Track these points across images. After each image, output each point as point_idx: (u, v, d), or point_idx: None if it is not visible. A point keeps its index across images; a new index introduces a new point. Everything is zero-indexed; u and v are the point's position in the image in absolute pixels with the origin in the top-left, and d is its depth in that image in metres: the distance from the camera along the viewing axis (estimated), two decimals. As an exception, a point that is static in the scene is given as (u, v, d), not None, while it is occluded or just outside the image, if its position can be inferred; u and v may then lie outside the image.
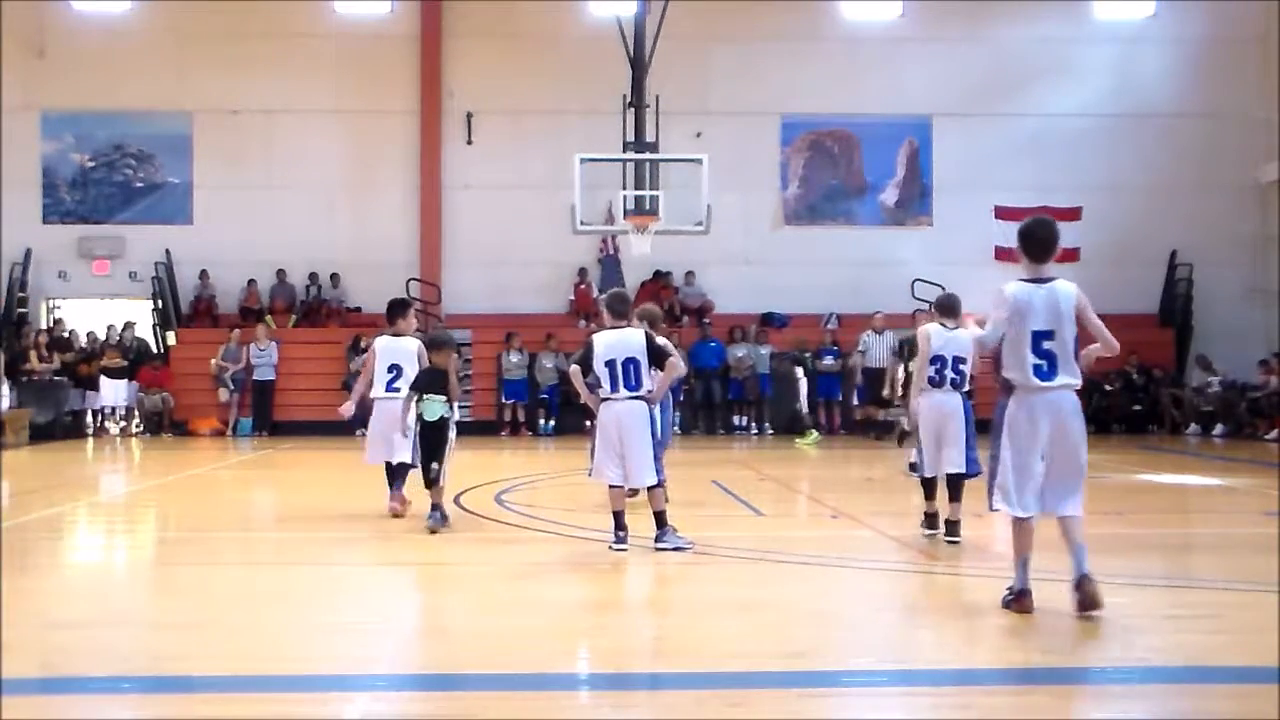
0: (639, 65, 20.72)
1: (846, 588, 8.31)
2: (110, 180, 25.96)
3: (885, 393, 15.95)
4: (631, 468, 8.95)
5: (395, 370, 11.09)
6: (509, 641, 6.42)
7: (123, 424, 23.94)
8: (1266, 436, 21.68)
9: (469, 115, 25.88)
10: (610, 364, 8.92)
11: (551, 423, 23.93)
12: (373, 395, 11.22)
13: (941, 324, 9.61)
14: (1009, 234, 26.70)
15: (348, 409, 11.63)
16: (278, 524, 11.92)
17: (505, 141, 25.83)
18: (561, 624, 6.98)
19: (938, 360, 9.43)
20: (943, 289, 24.11)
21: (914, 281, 24.91)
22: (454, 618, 7.28)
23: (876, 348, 20.51)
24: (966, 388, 9.53)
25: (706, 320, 24.90)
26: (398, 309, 11.72)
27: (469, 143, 26.00)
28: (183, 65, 25.53)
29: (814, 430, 22.53)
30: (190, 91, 25.57)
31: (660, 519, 9.08)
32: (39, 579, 8.43)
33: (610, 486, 9.15)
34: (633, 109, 20.34)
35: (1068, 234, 26.60)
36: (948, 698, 5.48)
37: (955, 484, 9.43)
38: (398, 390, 10.83)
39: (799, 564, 8.61)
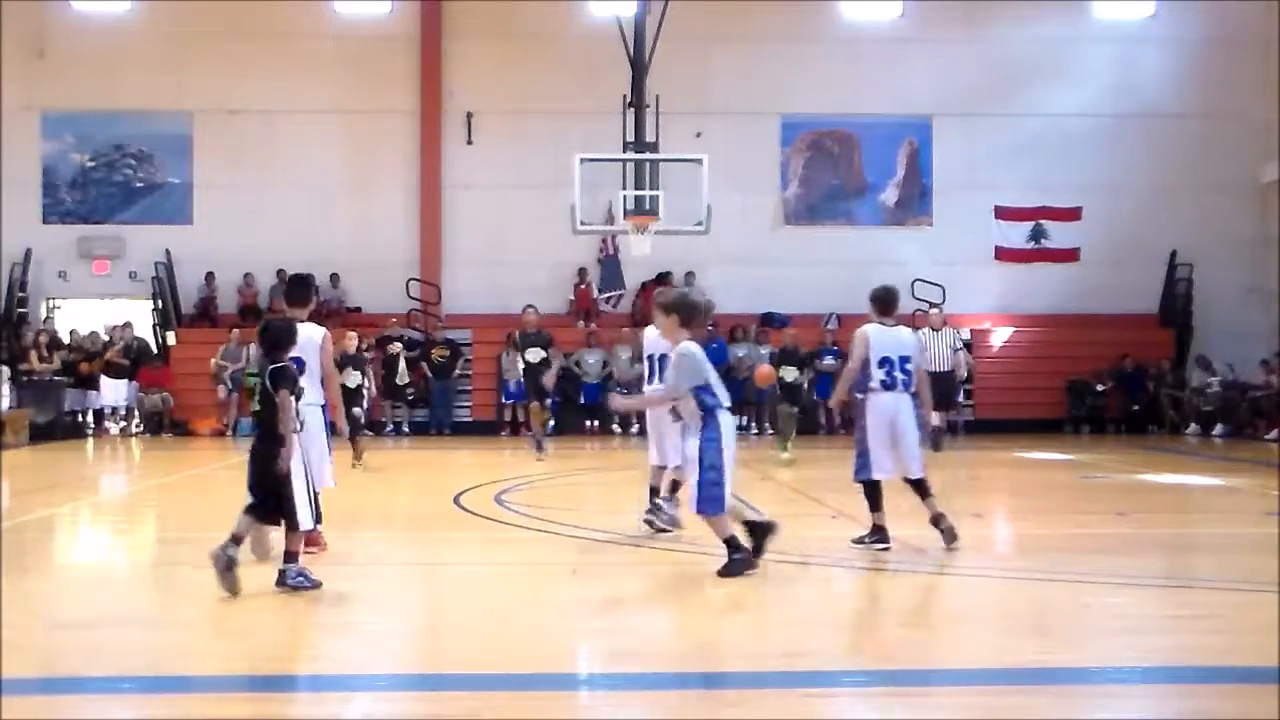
0: (639, 65, 20.71)
1: (846, 588, 8.31)
2: (110, 180, 25.95)
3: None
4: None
5: (297, 365, 8.60)
6: (509, 641, 6.42)
7: (123, 424, 23.93)
8: (1267, 436, 21.69)
9: (469, 115, 25.88)
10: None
11: (552, 423, 23.91)
12: None
13: (881, 322, 9.31)
14: (1009, 234, 26.85)
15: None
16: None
17: (505, 141, 25.83)
18: (561, 624, 6.98)
19: (886, 362, 9.11)
20: (942, 289, 24.45)
21: (914, 281, 24.93)
22: (454, 618, 7.28)
23: (935, 347, 18.96)
24: (913, 389, 9.21)
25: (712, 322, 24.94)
26: (299, 290, 9.21)
27: (469, 143, 26.00)
28: (183, 65, 25.51)
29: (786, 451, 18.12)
30: (190, 91, 25.57)
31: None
32: (39, 579, 8.43)
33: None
34: (633, 109, 20.34)
35: (1068, 234, 27.09)
36: (947, 698, 5.48)
37: (922, 486, 9.15)
38: (303, 391, 8.58)
39: (799, 564, 8.60)
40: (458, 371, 24.40)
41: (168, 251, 25.45)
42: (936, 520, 9.02)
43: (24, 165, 25.40)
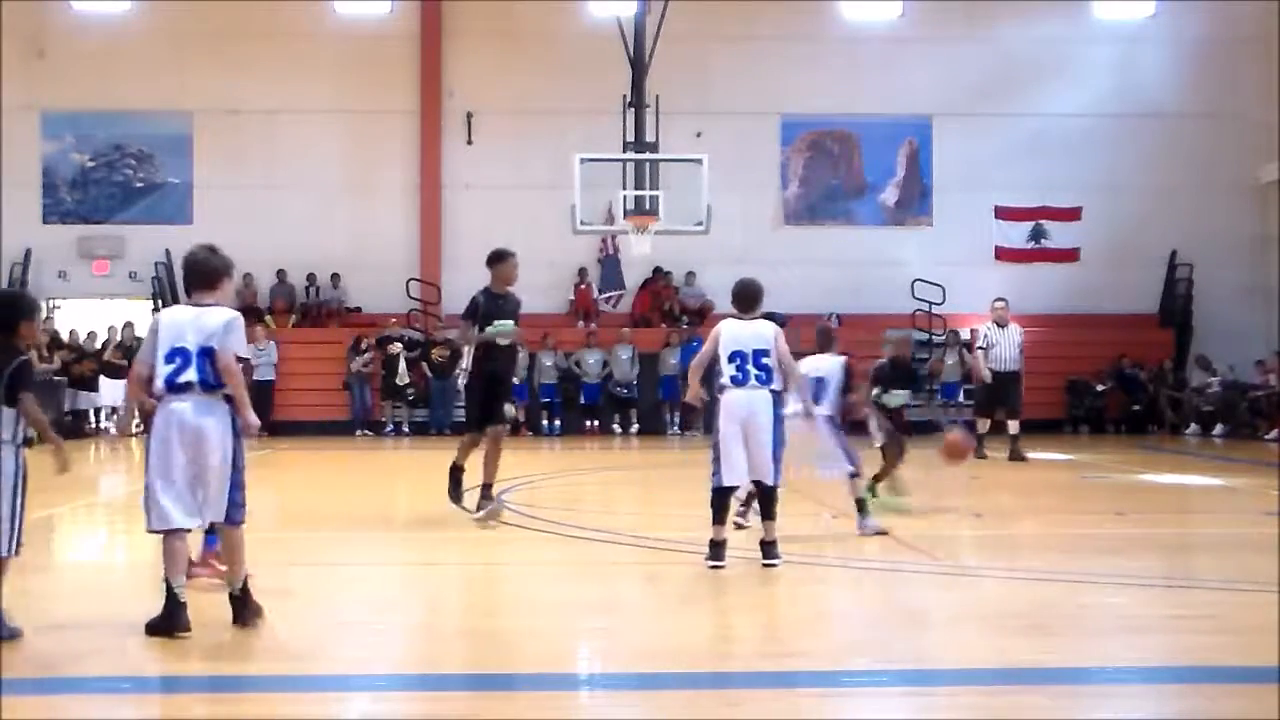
0: (639, 65, 20.70)
1: (846, 588, 8.31)
2: (110, 180, 25.95)
3: None
4: None
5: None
6: (509, 641, 6.43)
7: (123, 424, 23.88)
8: (1266, 436, 21.68)
9: (469, 115, 25.87)
10: None
11: (557, 422, 23.98)
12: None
13: (738, 316, 8.76)
14: (1009, 234, 26.84)
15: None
16: (278, 524, 11.90)
17: (505, 141, 25.82)
18: (561, 624, 6.98)
19: (736, 356, 8.51)
20: (943, 289, 24.44)
21: (914, 281, 24.95)
22: (454, 618, 7.29)
23: (1003, 344, 17.26)
24: (775, 385, 8.53)
25: (686, 320, 25.02)
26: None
27: (469, 143, 26.00)
28: (183, 65, 25.50)
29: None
30: (190, 91, 25.56)
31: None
32: (39, 579, 8.43)
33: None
34: (633, 109, 20.33)
35: (1068, 234, 27.07)
36: (948, 698, 5.48)
37: (766, 497, 8.55)
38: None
39: (799, 564, 8.60)
40: (458, 371, 24.39)
41: (168, 251, 25.40)
42: (766, 544, 8.47)
43: (24, 165, 25.39)
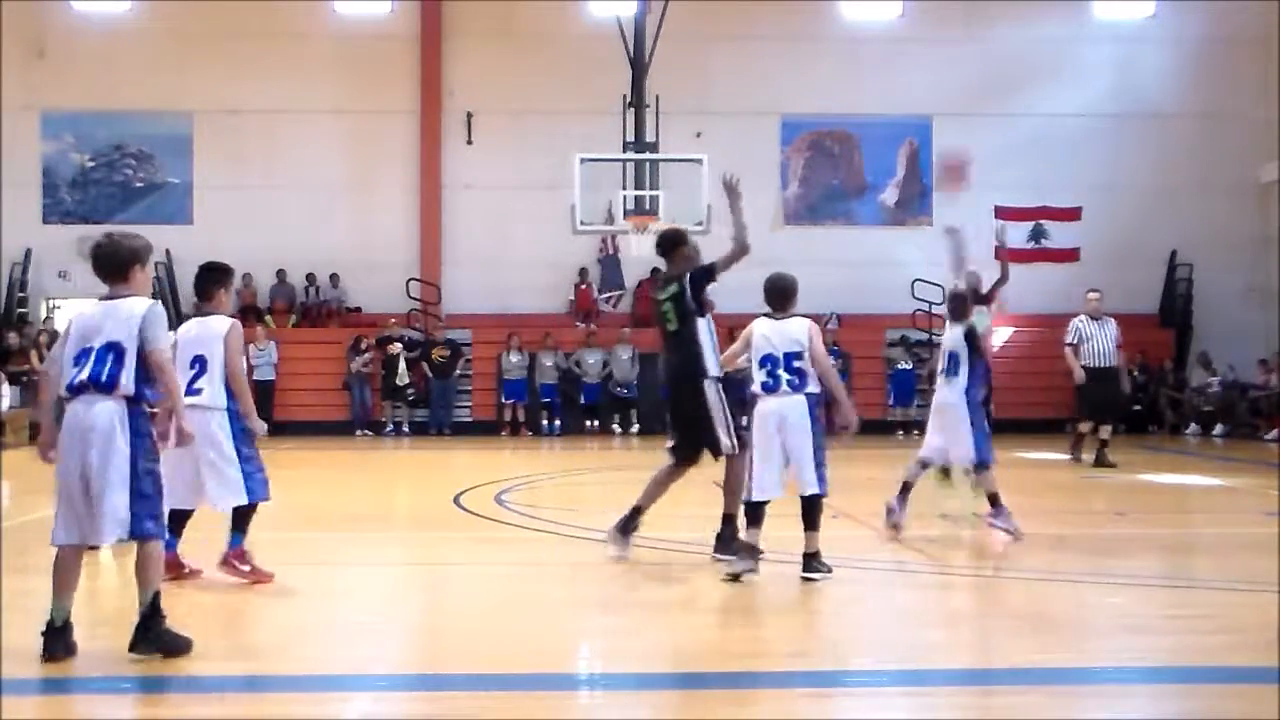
0: (639, 65, 20.71)
1: (846, 588, 8.30)
2: (110, 180, 25.95)
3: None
4: None
5: (198, 364, 7.67)
6: (509, 641, 6.43)
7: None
8: (1266, 436, 21.68)
9: (469, 115, 25.87)
10: None
11: (557, 422, 23.98)
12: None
13: (769, 315, 8.31)
14: (1009, 234, 26.79)
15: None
16: (278, 524, 11.90)
17: (505, 141, 25.81)
18: (561, 624, 6.98)
19: (767, 361, 8.03)
20: (943, 289, 24.39)
21: (914, 281, 24.94)
22: (454, 618, 7.29)
23: (1098, 338, 16.17)
24: (811, 388, 8.03)
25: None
26: (215, 279, 7.98)
27: (469, 143, 25.99)
28: (183, 65, 25.50)
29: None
30: (190, 91, 25.55)
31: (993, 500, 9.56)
32: (39, 579, 8.41)
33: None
34: (633, 109, 20.34)
35: (1068, 234, 27.02)
36: (948, 698, 5.48)
37: (810, 508, 7.99)
38: (199, 393, 7.53)
39: (799, 564, 8.59)
40: (458, 371, 24.42)
41: (168, 251, 25.40)
42: (808, 556, 7.96)
43: (24, 165, 25.39)
